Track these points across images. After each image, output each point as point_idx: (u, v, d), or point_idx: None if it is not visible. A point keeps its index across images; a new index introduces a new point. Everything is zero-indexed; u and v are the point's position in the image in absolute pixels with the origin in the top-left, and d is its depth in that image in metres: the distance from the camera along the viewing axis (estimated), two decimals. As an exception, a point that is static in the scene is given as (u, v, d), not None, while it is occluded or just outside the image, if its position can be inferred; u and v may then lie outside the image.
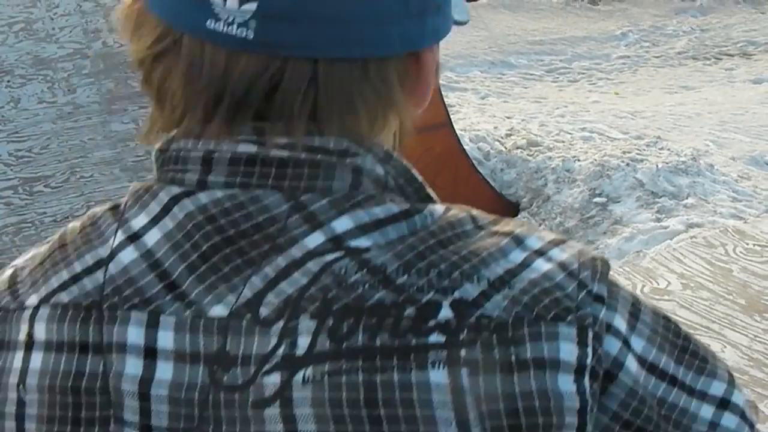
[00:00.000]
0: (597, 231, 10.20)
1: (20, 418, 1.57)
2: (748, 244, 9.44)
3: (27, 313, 1.59)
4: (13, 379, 1.57)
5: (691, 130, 13.98)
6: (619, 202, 10.50)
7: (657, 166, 10.91)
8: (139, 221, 1.55)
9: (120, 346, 1.51)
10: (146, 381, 1.50)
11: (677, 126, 14.22)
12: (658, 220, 10.15)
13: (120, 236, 1.56)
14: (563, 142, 12.15)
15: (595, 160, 11.10)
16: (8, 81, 11.51)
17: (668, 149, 11.70)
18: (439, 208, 1.58)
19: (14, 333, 1.59)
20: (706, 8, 23.64)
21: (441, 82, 10.61)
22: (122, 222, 1.57)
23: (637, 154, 11.26)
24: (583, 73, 17.94)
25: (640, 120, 14.32)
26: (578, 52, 19.03)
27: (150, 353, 1.50)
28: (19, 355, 1.58)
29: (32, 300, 1.60)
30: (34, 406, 1.56)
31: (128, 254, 1.54)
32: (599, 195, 10.62)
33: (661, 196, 10.54)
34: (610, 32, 20.63)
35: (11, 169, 11.09)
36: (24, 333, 1.58)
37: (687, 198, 10.56)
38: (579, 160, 11.21)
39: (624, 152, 11.27)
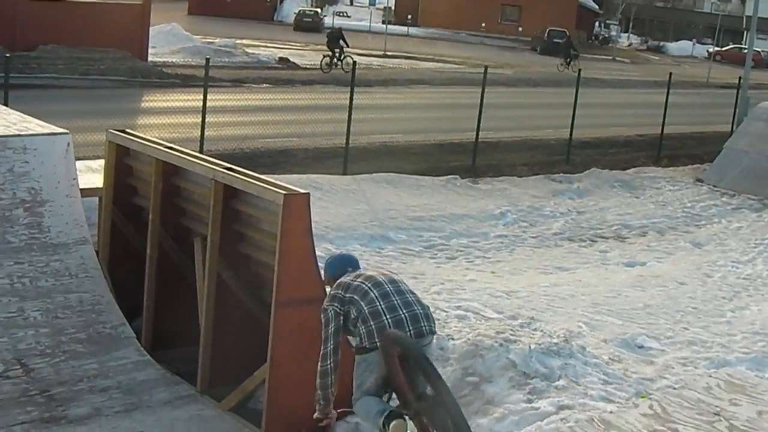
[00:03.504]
0: (469, 410, 10.20)
1: None
2: (612, 434, 9.57)
3: None
4: None
5: (564, 311, 14.20)
6: (491, 381, 10.58)
7: (530, 347, 11.04)
8: None
9: None
10: None
11: (551, 307, 14.44)
12: (530, 401, 10.24)
13: None
14: (438, 320, 12.17)
15: (469, 339, 11.20)
16: None
17: (541, 330, 11.87)
18: None
19: None
20: (583, 191, 24.28)
21: (319, 253, 10.67)
22: None
23: (511, 334, 11.39)
24: (462, 251, 18.17)
25: (515, 300, 14.52)
26: (457, 230, 19.30)
27: None
28: None
29: None
30: None
31: None
32: (472, 374, 10.69)
33: (533, 377, 10.64)
34: (489, 211, 21.02)
35: None
36: None
37: (558, 380, 10.67)
38: (453, 339, 11.30)
39: (498, 332, 11.40)
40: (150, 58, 41.41)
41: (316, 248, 10.36)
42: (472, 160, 25.77)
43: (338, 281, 7.87)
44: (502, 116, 30.71)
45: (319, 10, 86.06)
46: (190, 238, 11.62)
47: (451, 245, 18.41)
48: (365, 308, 7.37)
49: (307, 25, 77.67)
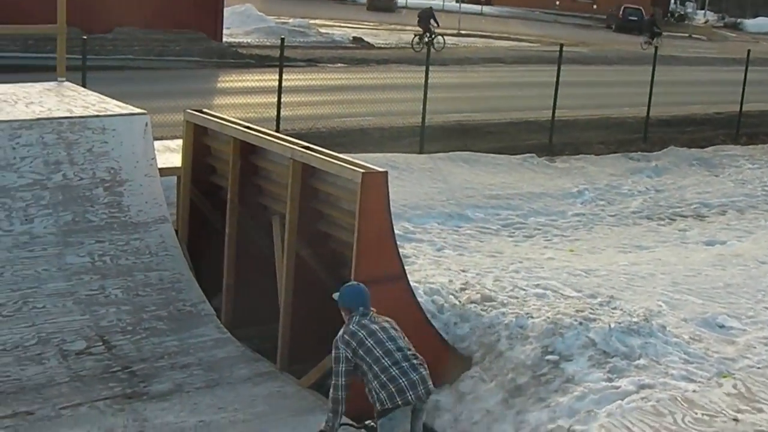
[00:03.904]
0: (549, 389, 10.18)
1: None
2: (696, 413, 9.47)
3: None
4: None
5: (644, 290, 14.07)
6: (571, 360, 10.51)
7: (610, 326, 10.95)
8: None
9: None
10: None
11: (630, 285, 14.30)
12: (610, 380, 10.16)
13: None
14: (517, 298, 12.19)
15: (549, 317, 11.14)
16: (-34, 207, 11.52)
17: (621, 309, 11.77)
18: None
19: None
20: (661, 169, 24.02)
21: (397, 232, 10.67)
22: None
23: (590, 313, 11.31)
24: (539, 229, 18.08)
25: (594, 278, 14.40)
26: (534, 208, 19.21)
27: None
28: None
29: None
30: None
31: None
32: (552, 353, 10.63)
33: (613, 356, 10.56)
34: (566, 189, 20.87)
35: (-38, 295, 11.03)
36: None
37: (639, 359, 10.58)
38: (532, 317, 11.24)
39: (577, 311, 11.32)
40: (224, 39, 41.52)
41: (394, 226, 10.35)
42: (549, 138, 25.60)
43: (349, 328, 8.25)
44: (578, 94, 30.51)
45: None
46: (268, 217, 11.67)
47: (529, 223, 18.32)
48: (377, 367, 8.00)
49: (381, 4, 77.34)
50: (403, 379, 7.94)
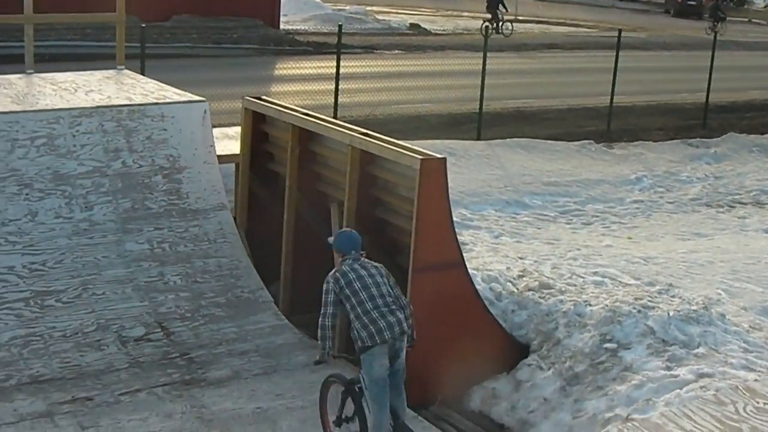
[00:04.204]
0: (607, 377, 10.13)
1: None
2: (758, 402, 9.36)
3: None
4: None
5: (703, 278, 13.97)
6: (629, 348, 10.45)
7: (668, 314, 10.87)
8: None
9: None
10: None
11: (689, 273, 14.21)
12: (669, 368, 10.09)
13: None
14: (575, 285, 12.14)
15: (607, 305, 11.07)
16: (27, 194, 11.59)
17: (680, 297, 11.68)
18: None
19: None
20: (720, 156, 23.80)
21: (455, 219, 10.64)
22: None
23: (649, 301, 11.23)
24: (597, 216, 17.99)
25: (652, 266, 14.32)
26: (592, 195, 19.11)
27: None
28: None
29: None
30: None
31: None
32: (610, 341, 10.57)
33: (671, 345, 10.49)
34: (624, 176, 20.75)
35: (24, 282, 11.09)
36: None
37: (698, 347, 10.50)
38: (590, 305, 11.18)
39: (636, 299, 11.25)
40: (282, 26, 41.60)
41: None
42: (607, 124, 25.45)
43: (341, 268, 8.88)
44: (636, 80, 30.30)
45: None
46: (327, 204, 11.68)
47: (587, 210, 18.24)
48: (360, 309, 8.68)
49: (437, -10, 77.32)
50: (382, 321, 8.61)
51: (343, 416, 9.19)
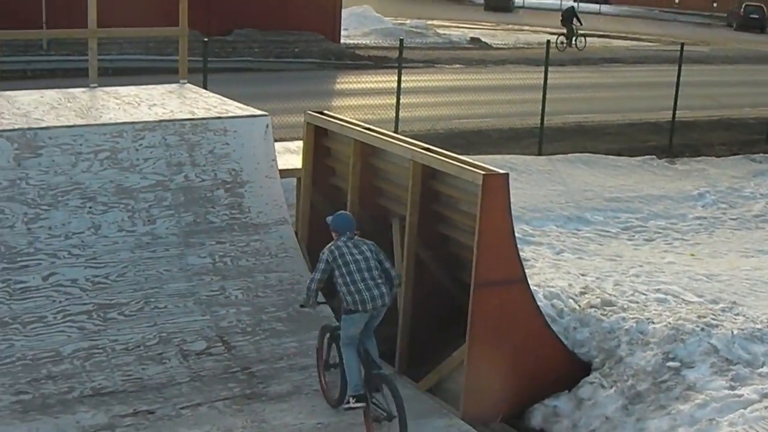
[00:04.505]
0: (669, 396, 10.05)
1: None
2: (826, 422, 9.26)
3: None
4: None
5: (767, 296, 13.81)
6: (692, 367, 10.35)
7: (732, 332, 10.77)
8: None
9: None
10: None
11: (753, 291, 14.06)
12: (732, 388, 9.98)
13: None
14: (637, 303, 12.05)
15: (670, 323, 10.98)
16: (90, 207, 11.67)
17: (744, 315, 11.56)
18: None
19: None
20: (786, 170, 23.53)
21: (516, 234, 10.58)
22: None
23: (713, 319, 11.13)
24: (659, 233, 17.83)
25: (715, 283, 14.18)
26: (654, 211, 18.95)
27: None
28: None
29: None
30: None
31: None
32: (673, 359, 10.48)
33: (735, 364, 10.39)
34: (686, 192, 20.56)
35: (87, 294, 11.16)
36: None
37: (762, 366, 10.39)
38: (653, 323, 11.09)
39: (699, 316, 11.15)
40: (342, 40, 41.78)
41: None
42: (669, 139, 25.25)
43: (336, 243, 9.96)
44: (699, 94, 30.05)
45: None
46: (388, 219, 11.67)
47: (649, 227, 18.08)
48: (348, 279, 9.72)
49: (498, 4, 77.07)
50: (367, 294, 9.64)
51: (331, 362, 10.48)
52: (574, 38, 46.96)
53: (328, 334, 10.51)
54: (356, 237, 10.05)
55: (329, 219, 10.27)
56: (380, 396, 9.70)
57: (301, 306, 10.18)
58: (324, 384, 10.50)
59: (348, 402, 9.84)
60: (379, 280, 9.76)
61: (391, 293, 9.91)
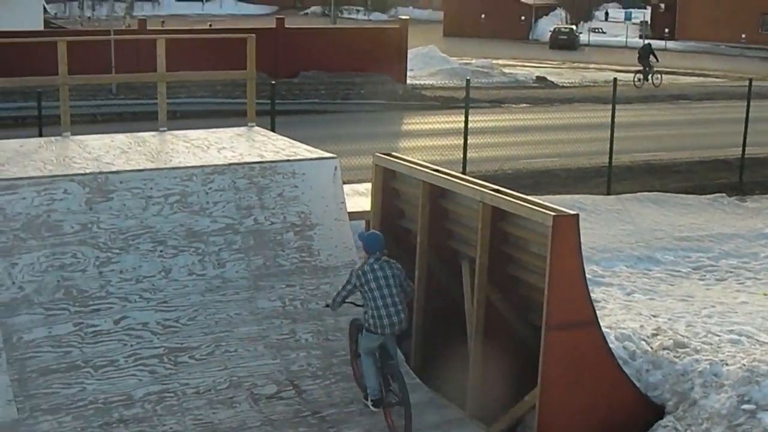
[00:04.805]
0: (745, 439, 9.90)
1: None
2: None
3: None
4: None
5: (843, 336, 13.59)
6: (768, 410, 10.20)
7: (809, 374, 10.60)
8: None
9: None
10: None
11: (828, 332, 13.83)
12: (810, 431, 9.82)
13: None
14: (711, 344, 11.89)
15: (744, 365, 10.82)
16: (161, 251, 11.76)
17: (821, 356, 11.38)
18: None
19: None
20: None
21: (587, 276, 10.50)
22: None
23: (788, 360, 10.97)
24: (731, 272, 17.60)
25: (790, 323, 13.97)
26: (726, 250, 18.71)
27: None
28: None
29: None
30: None
31: None
32: (748, 402, 10.31)
33: (813, 406, 10.22)
34: (758, 230, 20.29)
35: (158, 338, 11.23)
36: None
37: (839, 410, 10.21)
38: (727, 364, 10.94)
39: (774, 358, 10.99)
40: (408, 81, 41.88)
41: (585, 270, 10.20)
42: (739, 176, 25.03)
43: (366, 263, 10.63)
44: (769, 131, 29.80)
45: (574, 26, 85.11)
46: (458, 260, 11.63)
47: (720, 266, 17.86)
48: (372, 303, 10.46)
49: (563, 42, 77.18)
50: (386, 320, 10.43)
51: (357, 352, 11.15)
52: (650, 74, 47.00)
53: (357, 328, 11.18)
54: (384, 258, 10.70)
55: (360, 235, 11.28)
56: (395, 384, 10.59)
57: (326, 305, 11.02)
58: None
59: (366, 404, 10.82)
60: (399, 306, 10.60)
61: (404, 317, 10.67)
